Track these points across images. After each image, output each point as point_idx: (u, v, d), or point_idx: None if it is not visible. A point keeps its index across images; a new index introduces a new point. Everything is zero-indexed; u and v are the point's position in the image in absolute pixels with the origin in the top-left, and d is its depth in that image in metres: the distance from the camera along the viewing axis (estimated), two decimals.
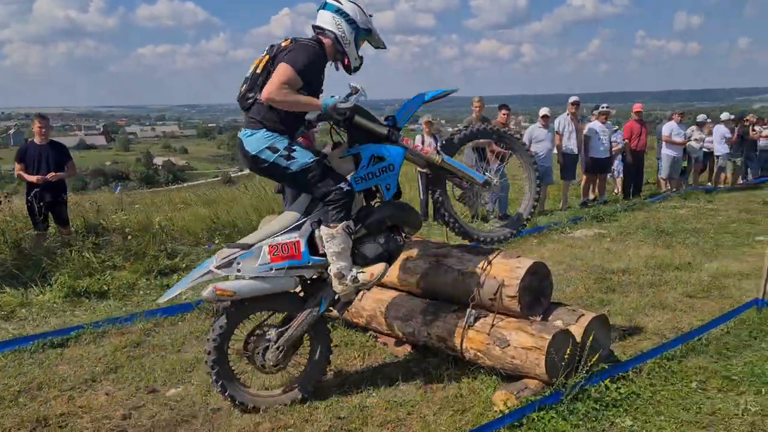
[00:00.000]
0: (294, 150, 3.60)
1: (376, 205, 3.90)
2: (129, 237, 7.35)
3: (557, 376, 3.60)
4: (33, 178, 7.32)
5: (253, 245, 3.63)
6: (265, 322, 3.88)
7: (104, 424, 3.56)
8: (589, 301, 5.63)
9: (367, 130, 3.72)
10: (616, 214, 10.12)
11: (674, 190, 12.78)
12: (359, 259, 3.74)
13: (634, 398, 3.66)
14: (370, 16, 3.77)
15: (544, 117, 10.72)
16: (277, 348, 3.73)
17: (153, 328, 5.19)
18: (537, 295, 3.98)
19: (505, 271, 3.94)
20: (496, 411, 3.51)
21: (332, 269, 3.62)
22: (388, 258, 3.79)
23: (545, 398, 3.48)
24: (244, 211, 9.15)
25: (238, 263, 3.58)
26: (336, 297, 3.77)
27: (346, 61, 3.77)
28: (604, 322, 4.00)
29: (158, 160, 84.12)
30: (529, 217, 4.47)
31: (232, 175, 46.60)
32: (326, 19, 3.69)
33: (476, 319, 3.97)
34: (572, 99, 11.31)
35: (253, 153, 3.61)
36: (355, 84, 3.63)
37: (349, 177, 3.69)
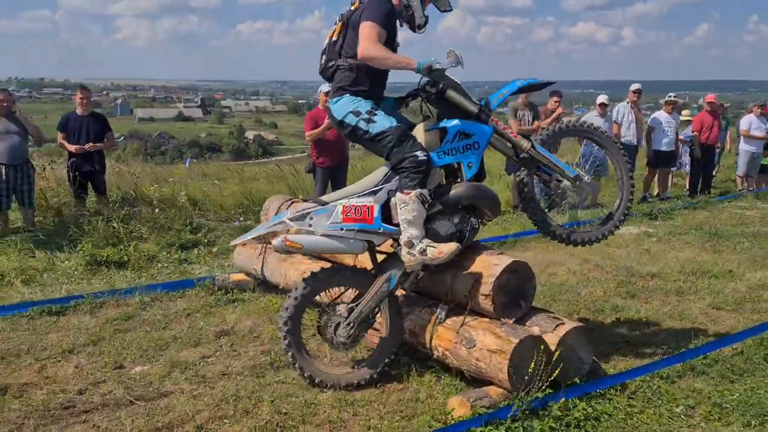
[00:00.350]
0: (375, 114, 3.65)
1: (455, 184, 3.78)
2: (157, 210, 7.51)
3: (521, 387, 3.33)
4: (72, 148, 7.58)
5: (328, 203, 3.70)
6: (339, 299, 3.87)
7: (57, 397, 3.57)
8: (602, 306, 5.23)
9: (457, 106, 3.67)
10: (674, 212, 9.43)
11: (751, 189, 11.79)
12: (430, 236, 3.66)
13: (604, 419, 3.32)
14: None
15: (602, 105, 10.12)
16: (348, 324, 3.71)
17: (150, 303, 5.24)
18: (515, 297, 3.68)
19: (482, 267, 3.67)
20: (450, 419, 3.29)
21: (403, 237, 3.56)
22: (460, 239, 3.69)
23: (496, 412, 3.21)
24: (278, 190, 9.16)
25: (311, 218, 3.65)
26: (405, 271, 3.70)
27: (411, 13, 3.74)
28: (586, 335, 3.66)
29: (249, 134, 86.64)
30: (623, 218, 4.24)
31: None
32: None
33: (447, 315, 3.74)
34: (634, 86, 10.60)
35: (339, 118, 3.72)
36: (453, 49, 3.56)
37: (432, 151, 3.65)
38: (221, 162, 23.76)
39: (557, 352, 3.43)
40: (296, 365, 3.71)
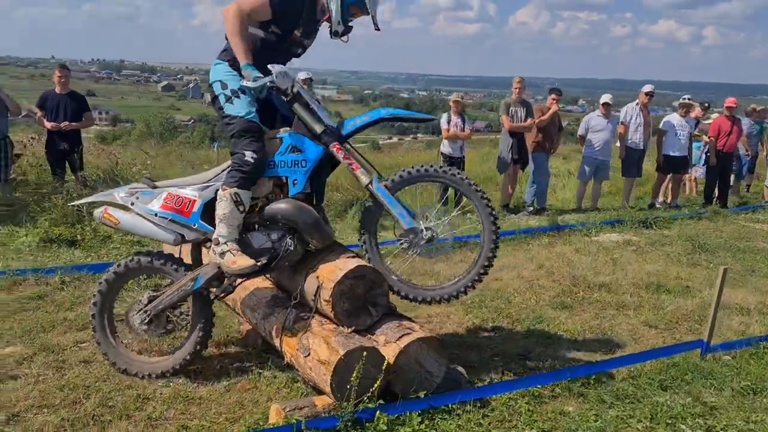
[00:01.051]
0: (239, 97, 3.48)
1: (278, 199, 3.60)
2: None
3: (348, 399, 3.15)
4: (48, 125, 7.77)
5: (159, 187, 3.68)
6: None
7: None
8: (526, 315, 4.94)
9: (303, 121, 3.50)
10: (674, 221, 8.87)
11: None
12: (242, 244, 3.51)
13: None
14: None
15: (605, 105, 9.63)
16: (144, 311, 3.67)
17: (71, 283, 5.28)
18: (363, 303, 3.47)
19: (328, 271, 3.48)
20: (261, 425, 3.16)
21: (214, 233, 3.47)
22: (273, 257, 3.51)
23: (314, 421, 3.04)
24: None
25: (137, 197, 3.65)
26: (217, 275, 3.57)
27: (327, 17, 3.58)
28: (437, 348, 3.41)
29: None
30: (471, 286, 3.60)
31: (381, 142, 47.17)
32: None
33: (296, 320, 3.57)
34: (646, 88, 10.01)
35: (210, 81, 3.62)
36: (272, 65, 3.38)
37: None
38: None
39: (391, 364, 3.23)
40: (101, 349, 3.72)
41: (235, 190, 3.39)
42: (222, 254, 3.42)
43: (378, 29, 3.69)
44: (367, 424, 3.11)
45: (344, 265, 3.46)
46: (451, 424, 3.21)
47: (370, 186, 3.51)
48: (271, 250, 3.51)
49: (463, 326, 4.75)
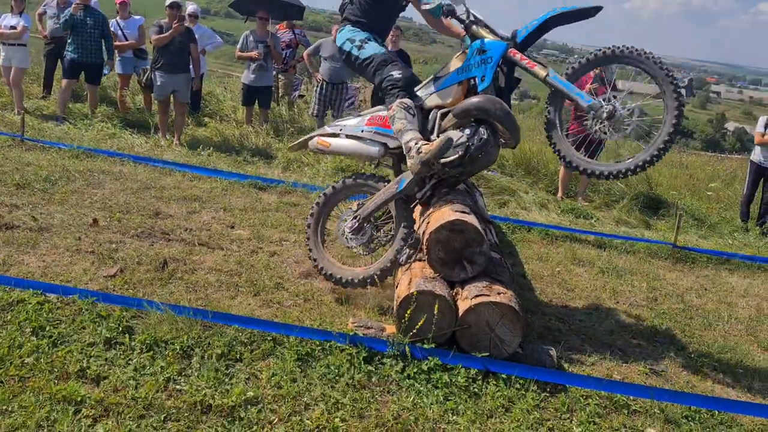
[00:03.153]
0: (368, 43, 4.06)
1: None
2: None
3: (407, 333, 3.40)
4: None
5: (361, 115, 4.31)
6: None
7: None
8: (713, 340, 4.26)
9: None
10: None
11: None
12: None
13: (478, 401, 3.17)
14: None
15: None
16: (354, 217, 4.11)
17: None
18: (459, 257, 3.61)
19: (435, 218, 3.72)
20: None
21: (403, 146, 3.85)
22: (468, 149, 3.71)
23: (363, 338, 3.39)
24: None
25: (344, 126, 4.29)
26: (417, 179, 3.88)
27: None
28: (511, 317, 3.35)
29: (730, 125, 78.09)
30: (652, 159, 3.57)
31: None
32: None
33: (408, 257, 3.89)
34: None
35: (339, 44, 4.20)
36: None
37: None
38: (690, 150, 21.73)
39: (459, 318, 3.36)
40: (312, 255, 4.26)
41: (399, 99, 3.82)
42: (418, 151, 3.69)
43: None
44: (414, 361, 3.32)
45: (447, 216, 3.65)
46: (497, 390, 3.19)
47: (548, 78, 3.70)
48: (466, 144, 3.71)
49: (637, 326, 4.39)
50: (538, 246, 6.07)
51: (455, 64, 3.93)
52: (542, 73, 3.70)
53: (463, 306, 3.42)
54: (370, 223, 4.12)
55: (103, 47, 8.71)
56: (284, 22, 10.18)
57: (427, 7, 3.85)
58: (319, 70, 9.16)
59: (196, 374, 3.02)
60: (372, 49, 4.01)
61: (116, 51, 8.97)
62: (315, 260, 4.27)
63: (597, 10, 3.71)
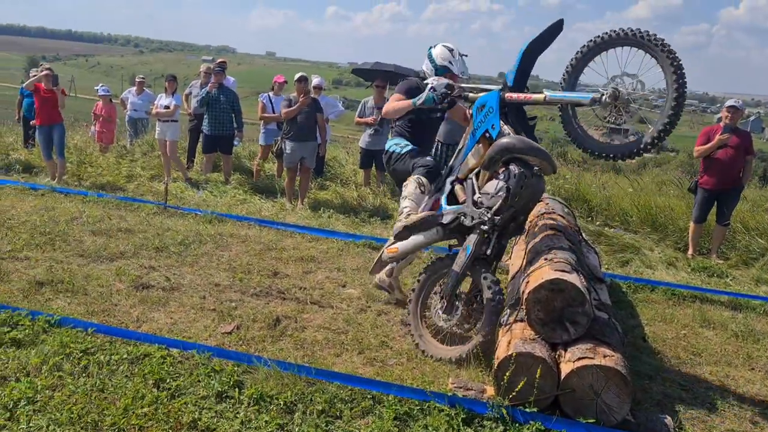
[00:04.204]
0: (407, 147, 4.81)
1: None
2: None
3: (508, 397, 3.33)
4: None
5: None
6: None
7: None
8: None
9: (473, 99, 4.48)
10: None
11: None
12: (483, 196, 4.15)
13: None
14: (464, 56, 4.83)
15: None
16: (441, 297, 4.23)
17: None
18: (559, 317, 3.49)
19: (534, 277, 3.64)
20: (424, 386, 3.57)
21: (399, 210, 4.59)
22: (508, 190, 3.93)
23: (463, 400, 3.36)
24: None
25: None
26: (480, 240, 4.05)
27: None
28: (618, 382, 3.17)
29: None
30: (653, 142, 3.79)
31: None
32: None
33: (508, 317, 3.83)
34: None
35: (386, 148, 4.97)
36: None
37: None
38: None
39: (561, 381, 3.25)
40: (414, 342, 4.26)
41: (419, 176, 4.52)
42: (406, 216, 4.37)
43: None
44: (515, 425, 3.24)
45: (546, 274, 3.57)
46: None
47: (547, 98, 4.04)
48: (505, 186, 3.95)
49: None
50: (662, 307, 5.71)
51: (466, 135, 4.46)
52: (541, 96, 4.04)
53: (565, 369, 3.30)
54: (460, 298, 4.17)
55: (234, 121, 9.55)
56: None
57: (420, 101, 4.48)
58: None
59: (297, 429, 3.13)
60: (411, 148, 4.76)
61: (262, 122, 9.78)
62: (415, 339, 4.29)
63: (560, 23, 4.06)
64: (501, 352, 3.47)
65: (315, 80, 9.90)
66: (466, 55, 4.83)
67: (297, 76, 8.77)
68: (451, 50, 4.78)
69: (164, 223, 6.89)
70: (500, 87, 4.23)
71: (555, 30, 4.08)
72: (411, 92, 4.73)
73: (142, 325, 4.26)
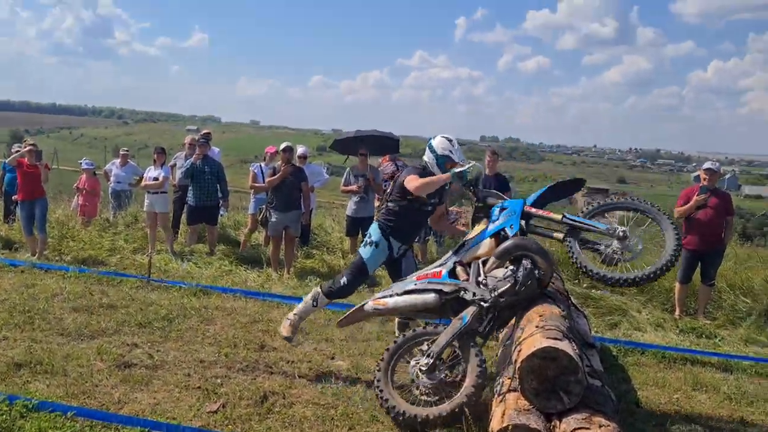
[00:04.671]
0: (375, 248, 5.05)
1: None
2: None
3: None
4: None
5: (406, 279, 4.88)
6: None
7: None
8: None
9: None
10: None
11: None
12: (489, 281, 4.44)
13: None
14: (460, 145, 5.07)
15: None
16: (428, 355, 4.25)
17: None
18: (553, 386, 3.44)
19: (527, 345, 3.60)
20: None
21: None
22: (515, 281, 4.23)
23: None
24: None
25: (392, 289, 4.79)
26: (479, 312, 4.28)
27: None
28: None
29: None
30: (655, 274, 4.26)
31: None
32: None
33: (502, 386, 3.76)
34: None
35: (368, 233, 5.22)
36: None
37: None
38: None
39: None
40: (382, 400, 4.17)
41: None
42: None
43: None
44: None
45: (538, 342, 3.54)
46: None
47: (564, 219, 4.48)
48: (514, 276, 4.23)
49: None
50: (653, 370, 5.65)
51: (479, 228, 4.71)
52: (558, 216, 4.51)
53: None
54: (443, 362, 4.29)
55: (218, 190, 9.57)
56: (387, 155, 10.71)
57: (458, 171, 4.66)
58: None
59: None
60: (369, 255, 5.04)
61: (252, 192, 9.80)
62: (386, 400, 4.19)
63: (582, 181, 5.04)
64: (495, 424, 3.40)
65: (300, 150, 10.00)
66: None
67: (282, 146, 8.88)
68: (450, 140, 5.00)
69: (148, 298, 6.78)
70: (524, 200, 4.68)
71: (578, 183, 4.96)
72: (425, 172, 4.96)
73: (123, 406, 4.12)
